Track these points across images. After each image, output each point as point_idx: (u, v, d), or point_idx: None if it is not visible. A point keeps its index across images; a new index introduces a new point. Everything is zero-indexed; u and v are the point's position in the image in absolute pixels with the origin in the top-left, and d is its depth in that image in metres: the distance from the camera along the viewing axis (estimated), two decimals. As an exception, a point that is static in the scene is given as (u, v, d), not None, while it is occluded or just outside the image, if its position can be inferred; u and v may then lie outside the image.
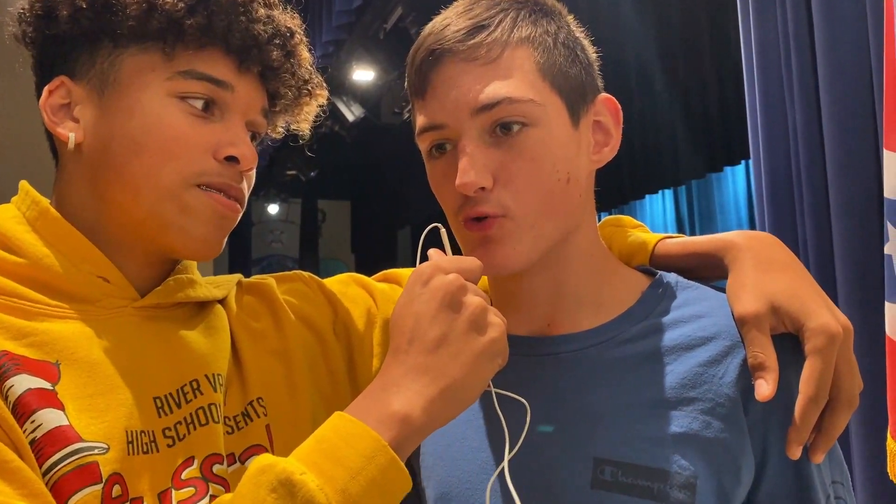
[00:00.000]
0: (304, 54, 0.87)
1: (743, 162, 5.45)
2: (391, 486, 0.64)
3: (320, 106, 0.92)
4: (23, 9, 0.80)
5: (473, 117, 0.76)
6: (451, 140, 0.78)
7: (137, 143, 0.76)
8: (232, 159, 0.78)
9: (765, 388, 0.71)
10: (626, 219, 0.96)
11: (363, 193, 9.76)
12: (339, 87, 5.77)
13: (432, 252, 0.74)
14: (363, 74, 5.60)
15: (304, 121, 0.91)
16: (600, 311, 0.82)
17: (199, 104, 0.77)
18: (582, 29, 0.85)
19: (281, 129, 0.92)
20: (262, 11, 0.81)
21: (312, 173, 8.28)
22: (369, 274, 1.04)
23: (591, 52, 0.85)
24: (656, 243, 0.89)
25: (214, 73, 0.78)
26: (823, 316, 0.73)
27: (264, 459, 0.64)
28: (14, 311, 0.72)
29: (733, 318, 0.77)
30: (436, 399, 0.66)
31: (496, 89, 0.75)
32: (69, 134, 0.77)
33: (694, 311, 0.81)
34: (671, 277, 0.85)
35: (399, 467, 0.64)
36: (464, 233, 0.80)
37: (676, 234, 0.91)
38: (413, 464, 0.88)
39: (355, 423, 0.65)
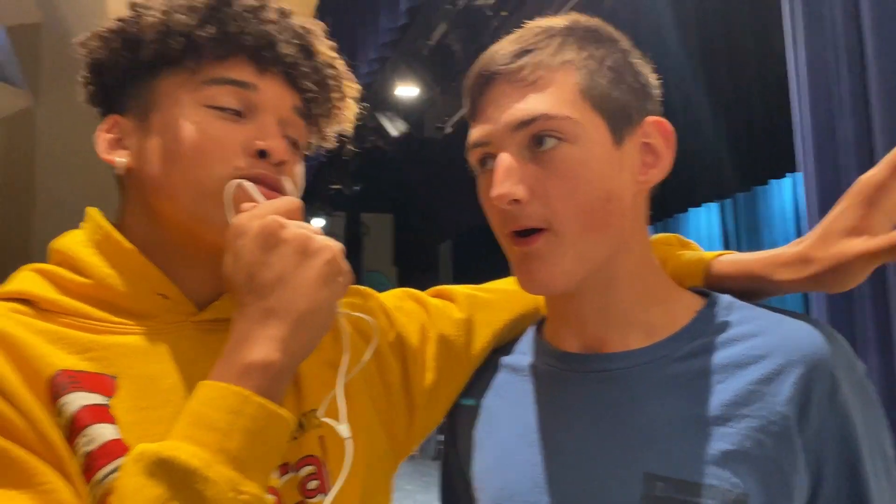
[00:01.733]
0: (324, 50, 0.89)
1: (788, 175, 5.37)
2: (269, 431, 0.65)
3: (354, 98, 0.93)
4: (81, 75, 0.86)
5: (513, 133, 0.79)
6: (494, 155, 0.81)
7: (172, 152, 0.79)
8: (263, 154, 0.81)
9: None
10: (676, 237, 0.96)
11: (405, 207, 9.81)
12: (382, 102, 5.83)
13: (245, 205, 0.75)
14: (406, 90, 5.65)
15: (345, 120, 0.93)
16: (652, 331, 0.82)
17: (228, 107, 0.81)
18: (641, 56, 0.85)
19: (331, 137, 0.94)
20: (273, 15, 0.85)
21: (356, 187, 8.37)
22: (412, 286, 1.06)
23: (649, 77, 0.84)
24: (710, 262, 0.89)
25: (235, 76, 0.82)
26: None
27: (138, 448, 0.64)
28: (80, 329, 0.76)
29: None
30: (288, 337, 0.68)
31: (534, 105, 0.78)
32: (118, 160, 0.82)
33: (747, 329, 0.80)
34: (726, 298, 0.84)
35: (270, 411, 0.65)
36: (510, 248, 0.82)
37: (727, 251, 0.91)
38: (465, 472, 0.90)
39: (216, 386, 0.66)
